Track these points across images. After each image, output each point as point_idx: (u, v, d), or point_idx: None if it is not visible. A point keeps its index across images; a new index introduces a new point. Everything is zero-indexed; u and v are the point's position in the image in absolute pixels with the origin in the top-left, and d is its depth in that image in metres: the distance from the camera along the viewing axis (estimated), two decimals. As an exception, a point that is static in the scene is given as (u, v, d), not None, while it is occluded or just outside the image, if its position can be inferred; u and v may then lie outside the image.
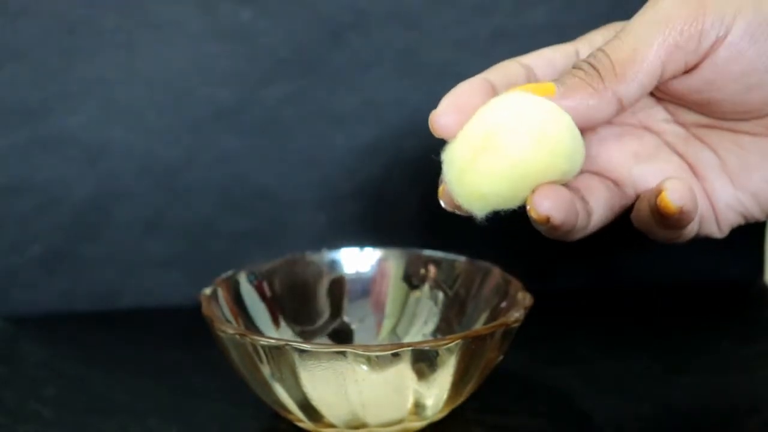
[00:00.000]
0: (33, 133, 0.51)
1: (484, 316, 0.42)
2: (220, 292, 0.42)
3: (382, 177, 0.54)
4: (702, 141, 0.39)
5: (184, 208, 0.53)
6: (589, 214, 0.37)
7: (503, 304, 0.41)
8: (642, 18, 0.35)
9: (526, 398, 0.43)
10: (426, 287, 0.45)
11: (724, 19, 0.34)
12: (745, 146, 0.38)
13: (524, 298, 0.40)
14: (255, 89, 0.52)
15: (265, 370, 0.37)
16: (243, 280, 0.43)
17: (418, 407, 0.37)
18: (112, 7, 0.50)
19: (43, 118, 0.51)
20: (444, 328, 0.44)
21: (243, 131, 0.53)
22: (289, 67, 0.52)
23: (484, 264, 0.44)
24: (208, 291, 0.41)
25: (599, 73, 0.35)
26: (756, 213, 0.38)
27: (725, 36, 0.34)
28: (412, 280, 0.46)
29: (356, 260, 0.46)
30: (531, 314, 0.39)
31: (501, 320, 0.38)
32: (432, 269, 0.45)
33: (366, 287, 0.46)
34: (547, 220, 0.34)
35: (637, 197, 0.39)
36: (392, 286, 0.46)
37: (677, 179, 0.36)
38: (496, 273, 0.43)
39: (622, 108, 0.35)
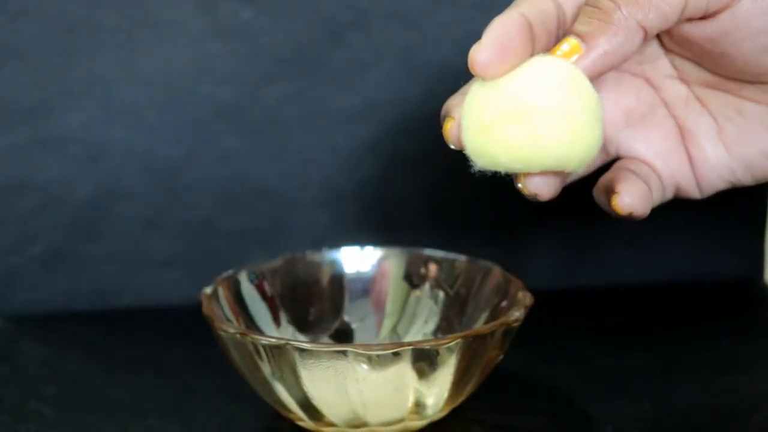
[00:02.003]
0: (33, 133, 0.51)
1: (484, 316, 0.42)
2: (221, 292, 0.42)
3: (382, 176, 0.54)
4: (702, 104, 0.38)
5: (184, 207, 0.53)
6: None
7: (504, 304, 0.41)
8: None
9: (526, 397, 0.43)
10: (426, 286, 0.45)
11: None
12: (747, 114, 0.37)
13: (524, 298, 0.40)
14: (255, 89, 0.52)
15: (266, 369, 0.37)
16: (243, 279, 0.43)
17: (419, 406, 0.37)
18: (112, 7, 0.50)
19: (44, 117, 0.51)
20: (444, 327, 0.44)
21: (243, 131, 0.53)
22: (289, 67, 0.52)
23: (485, 263, 0.44)
24: (208, 290, 0.41)
25: (617, 4, 0.34)
26: (746, 181, 0.38)
27: None
28: (412, 279, 0.46)
29: (357, 259, 0.46)
30: (531, 313, 0.39)
31: (501, 320, 0.38)
32: (432, 268, 0.45)
33: (366, 286, 0.46)
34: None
35: (616, 158, 0.39)
36: (393, 286, 0.46)
37: (633, 182, 0.36)
38: (497, 272, 0.43)
39: (647, 37, 0.34)
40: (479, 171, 0.35)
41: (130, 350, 0.49)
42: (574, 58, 0.34)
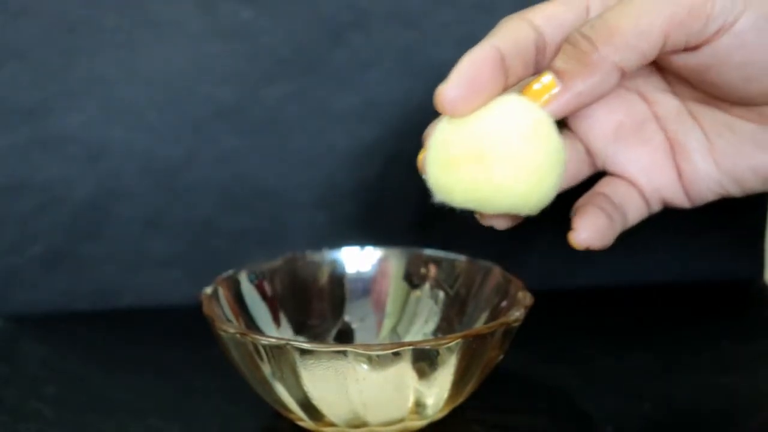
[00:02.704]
0: (33, 133, 0.51)
1: (484, 316, 0.43)
2: (221, 292, 0.42)
3: (383, 176, 0.54)
4: (694, 118, 0.38)
5: (184, 207, 0.53)
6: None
7: (504, 304, 0.41)
8: None
9: (526, 397, 0.43)
10: (426, 286, 0.45)
11: (735, 6, 0.33)
12: (737, 131, 0.37)
13: (524, 298, 0.40)
14: (255, 89, 0.52)
15: (266, 369, 0.37)
16: (243, 279, 0.43)
17: (419, 406, 0.37)
18: (112, 7, 0.50)
19: (44, 117, 0.51)
20: (444, 327, 0.44)
21: (243, 131, 0.53)
22: (289, 67, 0.52)
23: (485, 263, 0.44)
24: (208, 290, 0.41)
25: (594, 44, 0.34)
26: (735, 193, 0.39)
27: (733, 24, 0.33)
28: (412, 279, 0.46)
29: (357, 259, 0.46)
30: (531, 313, 0.39)
31: (501, 320, 0.38)
32: (432, 268, 0.45)
33: (366, 286, 0.46)
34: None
35: (603, 174, 0.39)
36: (393, 286, 0.46)
37: (591, 217, 0.37)
38: (497, 272, 0.43)
39: (624, 76, 0.34)
40: (439, 203, 0.35)
41: (130, 350, 0.49)
42: (550, 94, 0.34)
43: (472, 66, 0.34)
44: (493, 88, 0.34)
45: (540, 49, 0.36)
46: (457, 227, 0.56)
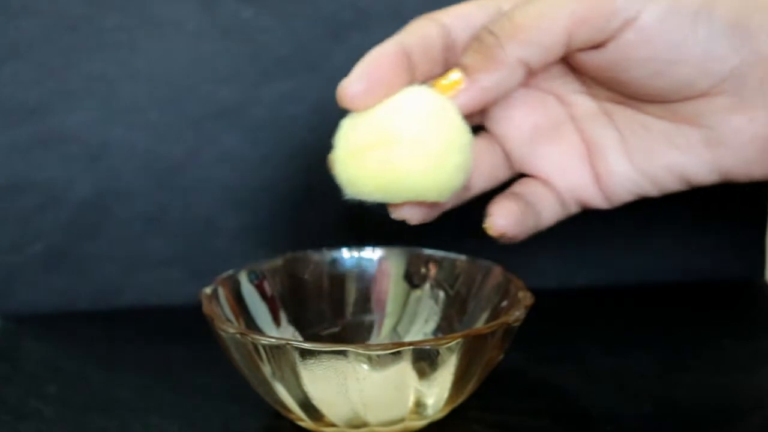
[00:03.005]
0: (34, 132, 0.51)
1: (484, 315, 0.43)
2: (221, 291, 0.42)
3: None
4: (609, 118, 0.39)
5: (185, 206, 0.53)
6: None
7: (504, 303, 0.41)
8: None
9: (526, 397, 0.43)
10: (427, 286, 0.45)
11: (637, 1, 0.33)
12: (651, 129, 0.37)
13: (525, 297, 0.40)
14: (256, 87, 0.52)
15: (266, 369, 0.37)
16: (244, 278, 0.43)
17: (419, 406, 0.37)
18: (112, 5, 0.50)
19: (44, 116, 0.51)
20: (445, 327, 0.44)
21: (244, 129, 0.53)
22: (289, 66, 0.52)
23: (485, 263, 0.44)
24: (208, 290, 0.41)
25: (499, 40, 0.34)
26: (653, 193, 0.39)
27: (635, 18, 0.34)
28: (412, 278, 0.46)
29: (357, 259, 0.46)
30: (532, 313, 0.39)
31: (502, 319, 0.38)
32: (433, 268, 0.45)
33: (367, 286, 0.46)
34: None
35: (519, 175, 0.40)
36: (393, 285, 0.46)
37: (507, 205, 0.38)
38: (497, 272, 0.43)
39: (531, 72, 0.35)
40: (350, 199, 0.36)
41: (130, 349, 0.49)
42: (456, 89, 0.35)
43: (374, 61, 0.35)
44: (395, 83, 0.35)
45: (448, 47, 0.36)
46: (457, 227, 0.56)
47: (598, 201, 0.39)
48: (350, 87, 0.34)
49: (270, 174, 0.53)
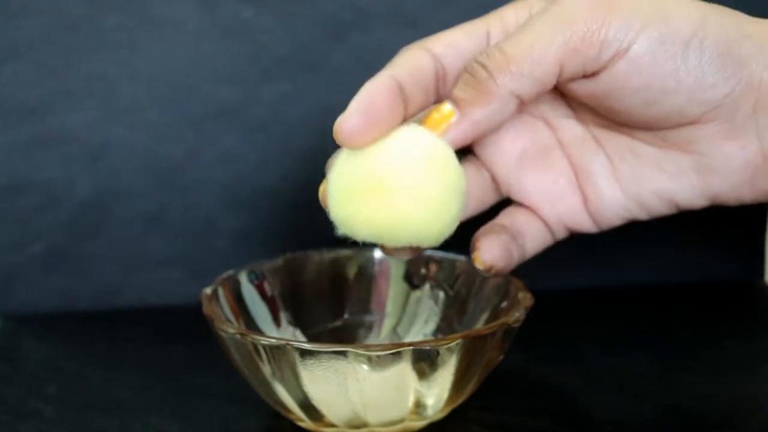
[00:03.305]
0: (34, 131, 0.51)
1: (484, 316, 0.42)
2: (221, 291, 0.42)
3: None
4: (598, 143, 0.39)
5: (185, 206, 0.53)
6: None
7: (504, 304, 0.41)
8: (545, 15, 0.34)
9: (526, 397, 0.43)
10: (427, 287, 0.45)
11: (629, 32, 0.33)
12: (640, 155, 0.38)
13: (525, 298, 0.40)
14: (256, 87, 0.52)
15: (266, 369, 0.37)
16: (244, 279, 0.43)
17: (419, 407, 0.37)
18: (112, 5, 0.50)
19: (44, 116, 0.51)
20: (445, 327, 0.44)
21: (244, 129, 0.53)
22: (289, 66, 0.52)
23: (485, 263, 0.44)
24: (208, 290, 0.41)
25: (491, 73, 0.34)
26: (642, 217, 0.39)
27: (627, 50, 0.33)
28: (412, 279, 0.46)
29: (357, 259, 0.46)
30: (532, 314, 0.39)
31: (502, 320, 0.38)
32: (433, 268, 0.45)
33: (367, 287, 0.46)
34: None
35: (507, 200, 0.40)
36: (393, 286, 0.46)
37: (494, 239, 0.38)
38: (497, 272, 0.43)
39: (523, 104, 0.35)
40: (342, 235, 0.36)
41: (130, 350, 0.49)
42: (448, 123, 0.35)
43: (370, 97, 0.34)
44: (392, 119, 0.35)
45: (440, 77, 0.36)
46: (457, 227, 0.56)
47: (587, 225, 0.39)
48: (347, 124, 0.34)
49: (270, 174, 0.53)
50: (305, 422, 0.38)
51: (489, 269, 0.38)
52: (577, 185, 0.39)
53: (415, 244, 0.35)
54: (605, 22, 0.33)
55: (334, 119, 0.53)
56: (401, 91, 0.35)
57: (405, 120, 0.36)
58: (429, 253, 0.46)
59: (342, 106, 0.53)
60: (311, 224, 0.54)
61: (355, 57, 0.52)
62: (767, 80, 0.34)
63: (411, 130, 0.35)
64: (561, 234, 0.40)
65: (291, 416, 0.39)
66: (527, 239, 0.39)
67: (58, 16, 0.50)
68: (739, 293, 0.56)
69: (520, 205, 0.40)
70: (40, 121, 0.51)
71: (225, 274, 0.43)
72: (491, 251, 0.38)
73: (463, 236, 0.55)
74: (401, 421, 0.38)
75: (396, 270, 0.46)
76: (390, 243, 0.35)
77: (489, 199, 0.40)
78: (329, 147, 0.54)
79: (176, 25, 0.51)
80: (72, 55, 0.51)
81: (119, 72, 0.51)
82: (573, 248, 0.56)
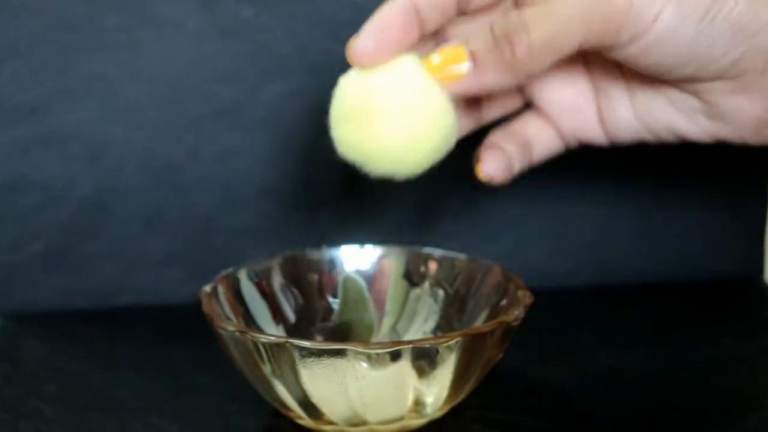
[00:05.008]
0: (33, 131, 0.51)
1: (484, 314, 0.42)
2: (221, 289, 0.42)
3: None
4: (621, 72, 0.41)
5: (184, 205, 0.53)
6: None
7: (503, 302, 0.41)
8: None
9: (526, 396, 0.43)
10: (426, 285, 0.45)
11: (648, 14, 0.34)
12: (658, 91, 0.39)
13: (524, 296, 0.40)
14: (255, 87, 0.52)
15: (266, 367, 0.37)
16: (243, 277, 0.43)
17: (419, 405, 0.37)
18: (112, 5, 0.50)
19: (44, 115, 0.51)
20: (444, 325, 0.44)
21: (244, 128, 0.53)
22: (289, 65, 0.52)
23: (485, 262, 0.44)
24: (208, 288, 0.41)
25: (514, 51, 0.34)
26: (648, 140, 0.41)
27: (645, 32, 0.35)
28: (412, 277, 0.46)
29: (356, 257, 0.46)
30: (531, 312, 0.39)
31: (501, 318, 0.38)
32: (432, 267, 0.45)
33: (366, 285, 0.46)
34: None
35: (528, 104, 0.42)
36: (392, 284, 0.46)
37: (496, 150, 0.40)
38: (497, 271, 0.43)
39: (531, 76, 0.36)
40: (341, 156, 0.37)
41: (130, 348, 0.49)
42: (459, 77, 0.36)
43: (384, 20, 0.36)
44: (404, 41, 0.36)
45: (461, 3, 0.37)
46: (458, 226, 0.56)
47: (600, 140, 0.42)
48: (359, 45, 0.35)
49: (269, 173, 0.53)
50: (305, 420, 0.38)
51: (490, 180, 0.41)
52: (595, 104, 0.41)
53: (393, 173, 0.36)
54: (626, 6, 0.34)
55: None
56: (417, 13, 0.36)
57: (422, 37, 0.37)
58: (428, 251, 0.46)
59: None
60: (311, 223, 0.54)
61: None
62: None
63: (413, 63, 0.36)
64: (572, 144, 0.42)
65: (290, 414, 0.39)
66: (536, 147, 0.42)
67: (58, 15, 0.50)
68: (740, 292, 0.56)
69: (537, 111, 0.42)
70: (40, 120, 0.51)
71: (224, 272, 0.43)
72: (492, 164, 0.40)
73: (464, 236, 0.56)
74: (400, 419, 0.38)
75: (395, 268, 0.46)
76: (371, 168, 0.36)
77: (513, 105, 0.42)
78: (328, 147, 0.54)
79: (176, 25, 0.51)
80: (72, 54, 0.51)
81: (119, 72, 0.51)
82: (573, 248, 0.57)
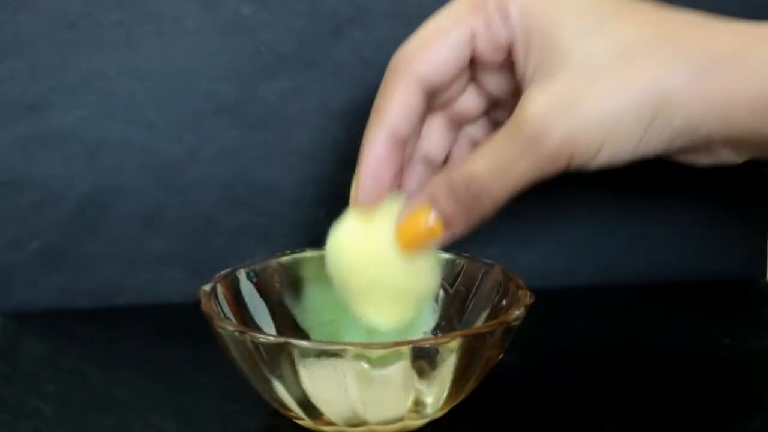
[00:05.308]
0: (32, 129, 0.51)
1: (484, 314, 0.42)
2: (220, 289, 0.42)
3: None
4: None
5: (184, 204, 0.53)
6: None
7: (504, 302, 0.41)
8: (514, 137, 0.35)
9: (526, 397, 0.43)
10: (426, 284, 0.45)
11: (591, 150, 0.35)
12: None
13: (525, 296, 0.40)
14: (255, 85, 0.52)
15: (265, 367, 0.36)
16: (243, 276, 0.43)
17: (418, 405, 0.37)
18: (111, 2, 0.50)
19: (43, 113, 0.51)
20: (444, 325, 0.44)
21: (243, 126, 0.53)
22: (289, 63, 0.52)
23: (485, 261, 0.44)
24: (207, 287, 0.41)
25: (477, 200, 0.36)
26: None
27: (591, 162, 0.35)
28: (412, 277, 0.45)
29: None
30: (531, 312, 0.39)
31: (501, 318, 0.38)
32: (432, 266, 0.45)
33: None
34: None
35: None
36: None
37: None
38: (497, 271, 0.43)
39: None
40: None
41: (129, 348, 0.49)
42: (435, 238, 0.38)
43: (376, 166, 0.38)
44: (396, 173, 0.39)
45: (430, 95, 0.38)
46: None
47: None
48: (362, 201, 0.39)
49: (269, 172, 0.53)
50: (304, 420, 0.38)
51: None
52: None
53: (371, 324, 0.40)
54: (569, 147, 0.34)
55: (334, 116, 0.53)
56: (399, 140, 0.38)
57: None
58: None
59: (342, 103, 0.54)
60: (311, 222, 0.54)
61: (356, 54, 0.52)
62: (721, 133, 0.35)
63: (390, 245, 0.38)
64: None
65: (290, 414, 0.39)
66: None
67: (57, 12, 0.50)
68: (740, 292, 0.56)
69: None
70: (39, 118, 0.51)
71: (224, 271, 0.43)
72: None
73: (464, 236, 0.55)
74: (400, 419, 0.38)
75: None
76: (354, 315, 0.40)
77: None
78: (328, 145, 0.54)
79: (175, 22, 0.51)
80: (71, 52, 0.50)
81: (118, 69, 0.51)
82: (573, 247, 0.57)
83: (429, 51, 0.38)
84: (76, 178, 0.52)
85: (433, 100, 0.39)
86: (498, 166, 0.35)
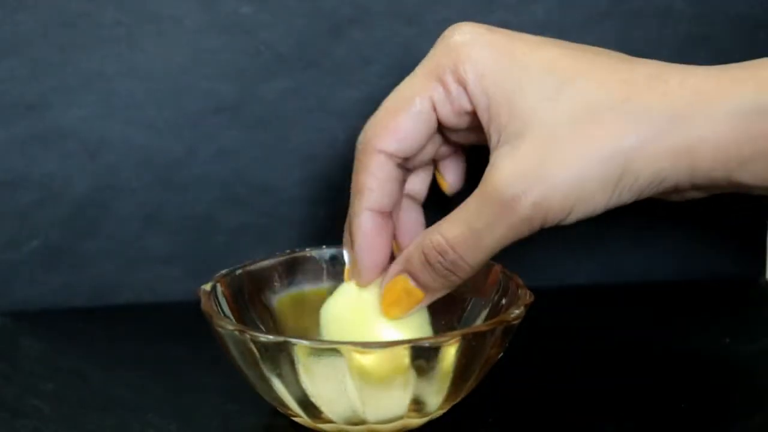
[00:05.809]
0: (32, 128, 0.51)
1: (484, 313, 0.42)
2: (219, 288, 0.42)
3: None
4: None
5: (183, 203, 0.53)
6: None
7: (504, 301, 0.41)
8: (486, 203, 0.36)
9: (526, 396, 0.43)
10: (426, 284, 0.45)
11: (562, 213, 0.35)
12: None
13: (525, 295, 0.40)
14: (255, 84, 0.52)
15: (265, 366, 0.36)
16: (242, 275, 0.43)
17: (418, 404, 0.37)
18: (111, 1, 0.50)
19: (42, 112, 0.51)
20: (444, 325, 0.44)
21: (243, 126, 0.53)
22: (289, 62, 0.52)
23: (485, 261, 0.44)
24: (207, 286, 0.41)
25: (455, 266, 0.37)
26: None
27: (563, 222, 0.36)
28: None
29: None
30: (531, 311, 0.39)
31: (501, 317, 0.38)
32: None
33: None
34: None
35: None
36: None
37: (456, 161, 0.42)
38: (497, 269, 0.43)
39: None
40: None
41: (128, 347, 0.49)
42: (418, 302, 0.39)
43: (369, 252, 0.39)
44: (388, 244, 0.40)
45: (403, 165, 0.39)
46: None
47: None
48: (365, 280, 0.40)
49: (269, 171, 0.53)
50: (304, 419, 0.38)
51: (454, 192, 0.43)
52: None
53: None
54: (542, 212, 0.35)
55: (334, 116, 0.53)
56: (384, 214, 0.39)
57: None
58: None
59: (342, 103, 0.54)
60: (311, 221, 0.54)
61: (355, 53, 0.52)
62: (688, 182, 0.36)
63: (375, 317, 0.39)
64: None
65: (289, 413, 0.39)
66: None
67: (56, 11, 0.50)
68: (740, 291, 0.56)
69: None
70: (38, 117, 0.51)
71: (223, 271, 0.43)
72: (451, 176, 0.43)
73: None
74: (400, 418, 0.38)
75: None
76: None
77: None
78: (328, 144, 0.54)
79: (175, 21, 0.51)
80: (70, 51, 0.50)
81: (117, 68, 0.51)
82: (573, 247, 0.56)
83: (393, 126, 0.38)
84: (75, 177, 0.52)
85: (408, 162, 0.40)
86: (473, 233, 0.36)
